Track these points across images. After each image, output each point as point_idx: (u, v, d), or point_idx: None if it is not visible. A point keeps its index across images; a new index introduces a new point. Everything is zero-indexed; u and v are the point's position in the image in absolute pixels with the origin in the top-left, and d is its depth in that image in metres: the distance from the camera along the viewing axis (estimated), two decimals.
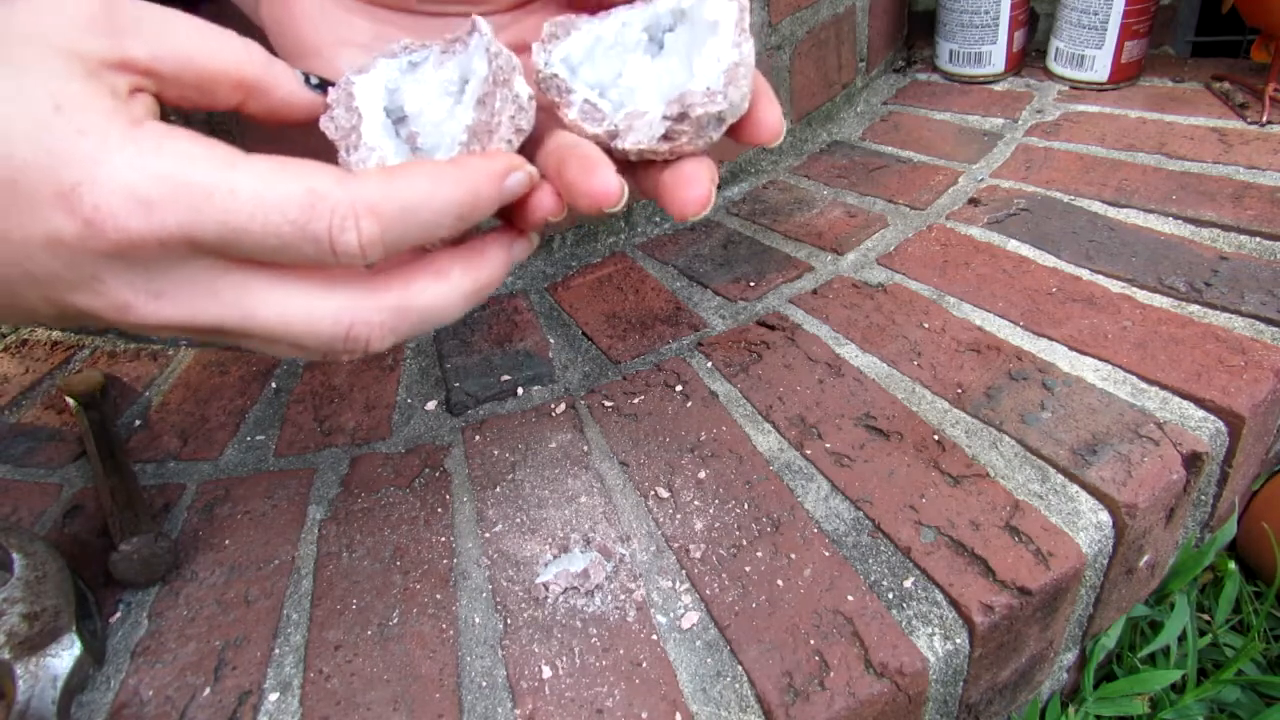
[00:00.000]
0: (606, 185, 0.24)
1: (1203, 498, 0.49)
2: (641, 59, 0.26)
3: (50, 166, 0.21)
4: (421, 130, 0.27)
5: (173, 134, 0.23)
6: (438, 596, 0.43)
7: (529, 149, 0.27)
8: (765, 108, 0.26)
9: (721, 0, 0.25)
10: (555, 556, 0.44)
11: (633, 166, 0.26)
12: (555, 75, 0.27)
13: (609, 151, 0.26)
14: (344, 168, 0.26)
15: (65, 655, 0.39)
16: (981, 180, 0.75)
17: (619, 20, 0.27)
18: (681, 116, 0.24)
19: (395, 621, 0.42)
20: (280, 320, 0.24)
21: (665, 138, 0.25)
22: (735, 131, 0.26)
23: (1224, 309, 0.53)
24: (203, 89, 0.26)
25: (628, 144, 0.25)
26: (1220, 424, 0.46)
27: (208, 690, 0.40)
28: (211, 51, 0.26)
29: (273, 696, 0.39)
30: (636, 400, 0.55)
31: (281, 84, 0.27)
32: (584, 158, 0.25)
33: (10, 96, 0.21)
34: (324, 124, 0.27)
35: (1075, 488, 0.43)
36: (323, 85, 0.28)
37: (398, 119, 0.28)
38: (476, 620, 0.41)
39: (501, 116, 0.26)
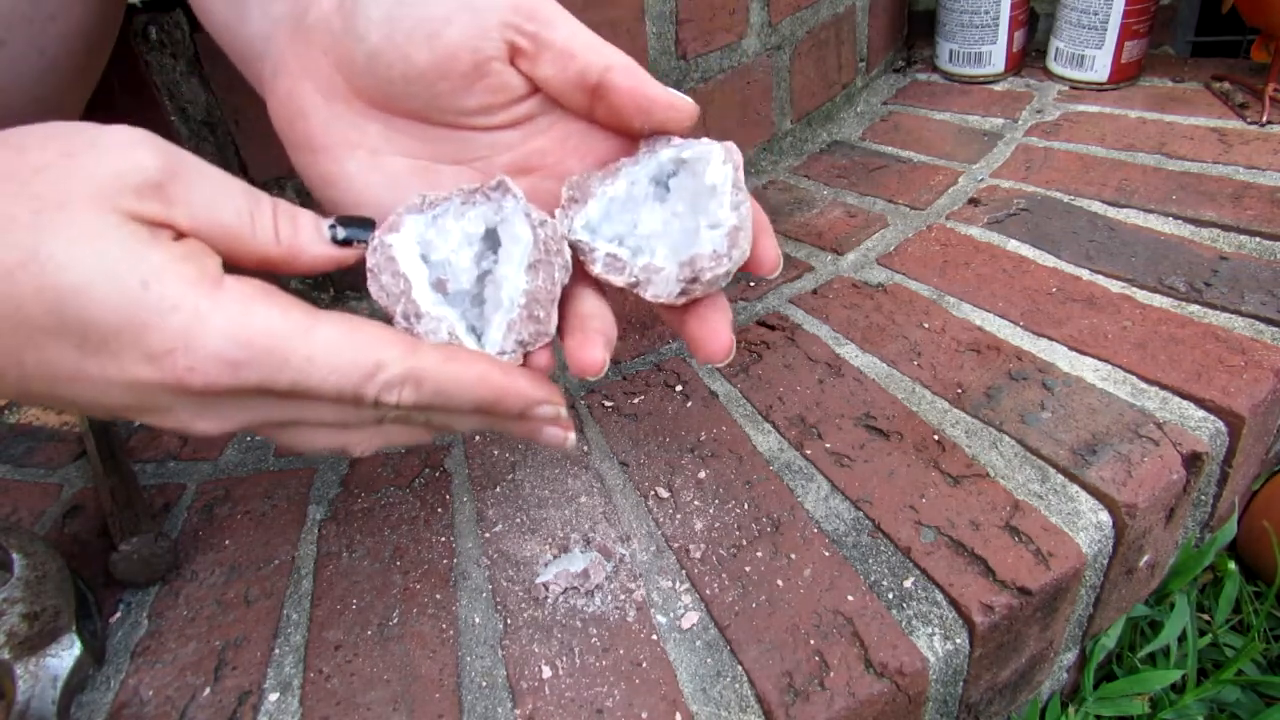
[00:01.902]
0: (592, 360, 0.28)
1: (1203, 498, 0.49)
2: (652, 205, 0.29)
3: (141, 336, 0.23)
4: (449, 277, 0.29)
5: (253, 296, 0.25)
6: (438, 596, 0.43)
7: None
8: (765, 246, 0.29)
9: (718, 164, 0.28)
10: (555, 556, 0.44)
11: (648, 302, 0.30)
12: (580, 240, 0.30)
13: (633, 297, 0.29)
14: (398, 328, 0.28)
15: (65, 655, 0.39)
16: (981, 180, 0.75)
17: (627, 179, 0.30)
18: (693, 280, 0.28)
19: (395, 621, 0.42)
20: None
21: (682, 294, 0.28)
22: (744, 267, 0.30)
23: (1224, 309, 0.53)
24: (230, 257, 0.27)
25: (648, 295, 0.29)
26: (1220, 424, 0.46)
27: (208, 690, 0.40)
28: (243, 227, 0.27)
29: (273, 696, 0.39)
30: (636, 400, 0.55)
31: (303, 256, 0.28)
32: (585, 332, 0.29)
33: (92, 265, 0.23)
34: (373, 289, 0.28)
35: (1075, 488, 0.43)
36: (348, 240, 0.29)
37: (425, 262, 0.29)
38: (476, 620, 0.41)
39: (558, 285, 0.29)
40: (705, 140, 0.29)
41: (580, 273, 0.30)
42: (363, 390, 0.25)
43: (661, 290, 0.28)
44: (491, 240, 0.29)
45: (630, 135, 0.31)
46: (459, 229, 0.29)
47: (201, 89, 0.60)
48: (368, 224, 0.29)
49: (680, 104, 0.29)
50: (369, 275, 0.28)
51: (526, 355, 0.29)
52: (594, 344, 0.28)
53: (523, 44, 0.28)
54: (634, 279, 0.29)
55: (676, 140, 0.30)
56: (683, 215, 0.29)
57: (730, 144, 0.29)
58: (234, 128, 0.62)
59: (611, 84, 0.28)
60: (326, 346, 0.25)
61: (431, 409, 0.27)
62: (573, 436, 0.31)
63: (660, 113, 0.29)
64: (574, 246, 0.30)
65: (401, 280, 0.28)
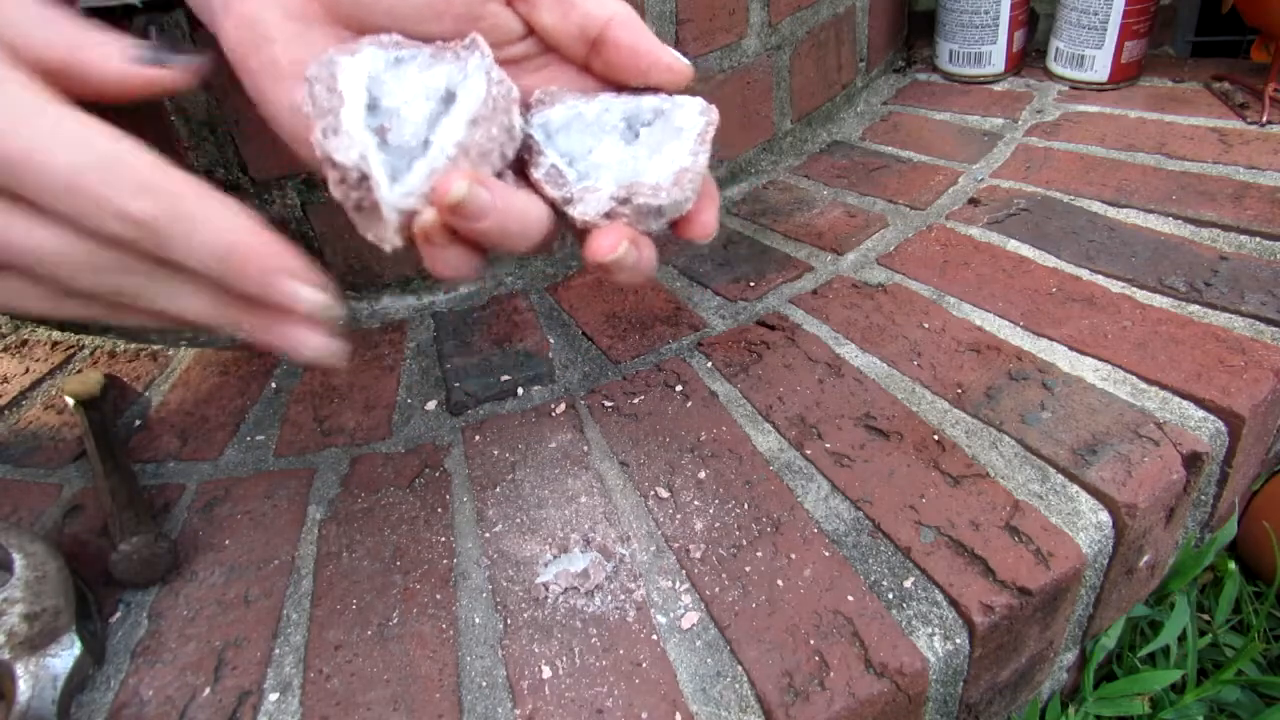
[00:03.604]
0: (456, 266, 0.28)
1: (1203, 498, 0.49)
2: (615, 143, 0.29)
3: None
4: (393, 127, 0.27)
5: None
6: (438, 596, 0.43)
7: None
8: (705, 208, 0.29)
9: (694, 113, 0.29)
10: (555, 556, 0.44)
11: (574, 229, 0.30)
12: (531, 136, 0.29)
13: (560, 214, 0.29)
14: (316, 147, 0.26)
15: (65, 655, 0.39)
16: (981, 180, 0.75)
17: (602, 104, 0.29)
18: (625, 200, 0.27)
19: (395, 621, 0.42)
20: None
21: (607, 215, 0.28)
22: (674, 225, 0.30)
23: (1224, 309, 0.53)
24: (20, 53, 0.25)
25: (576, 212, 0.28)
26: (1220, 424, 0.46)
27: (208, 690, 0.40)
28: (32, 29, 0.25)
29: (273, 696, 0.39)
30: (636, 400, 0.55)
31: (93, 71, 0.26)
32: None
33: None
34: (303, 98, 0.27)
35: (1075, 488, 0.43)
36: (158, 54, 0.27)
37: (371, 106, 0.28)
38: (476, 620, 0.41)
39: (494, 144, 0.27)
40: (688, 97, 0.29)
41: (521, 175, 0.30)
42: (102, 187, 0.23)
43: (590, 209, 0.28)
44: (449, 101, 0.28)
45: (623, 88, 0.30)
46: (420, 82, 0.28)
47: (201, 89, 0.60)
48: (186, 50, 0.28)
49: (678, 66, 0.28)
50: (306, 84, 0.27)
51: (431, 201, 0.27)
52: (459, 174, 0.26)
53: None
54: (568, 195, 0.28)
55: (665, 95, 0.29)
56: (640, 161, 0.28)
57: (714, 107, 0.29)
58: (234, 128, 0.62)
59: (611, 38, 0.28)
60: (70, 130, 0.23)
61: (164, 238, 0.24)
62: (334, 346, 0.28)
63: (658, 74, 0.28)
64: (525, 143, 0.29)
65: (336, 97, 0.27)
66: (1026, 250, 0.63)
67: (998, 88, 0.93)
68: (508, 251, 0.28)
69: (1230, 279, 0.56)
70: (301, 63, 0.28)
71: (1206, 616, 0.55)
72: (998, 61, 0.93)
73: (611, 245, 0.27)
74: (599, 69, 0.29)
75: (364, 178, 0.26)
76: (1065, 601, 0.41)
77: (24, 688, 0.38)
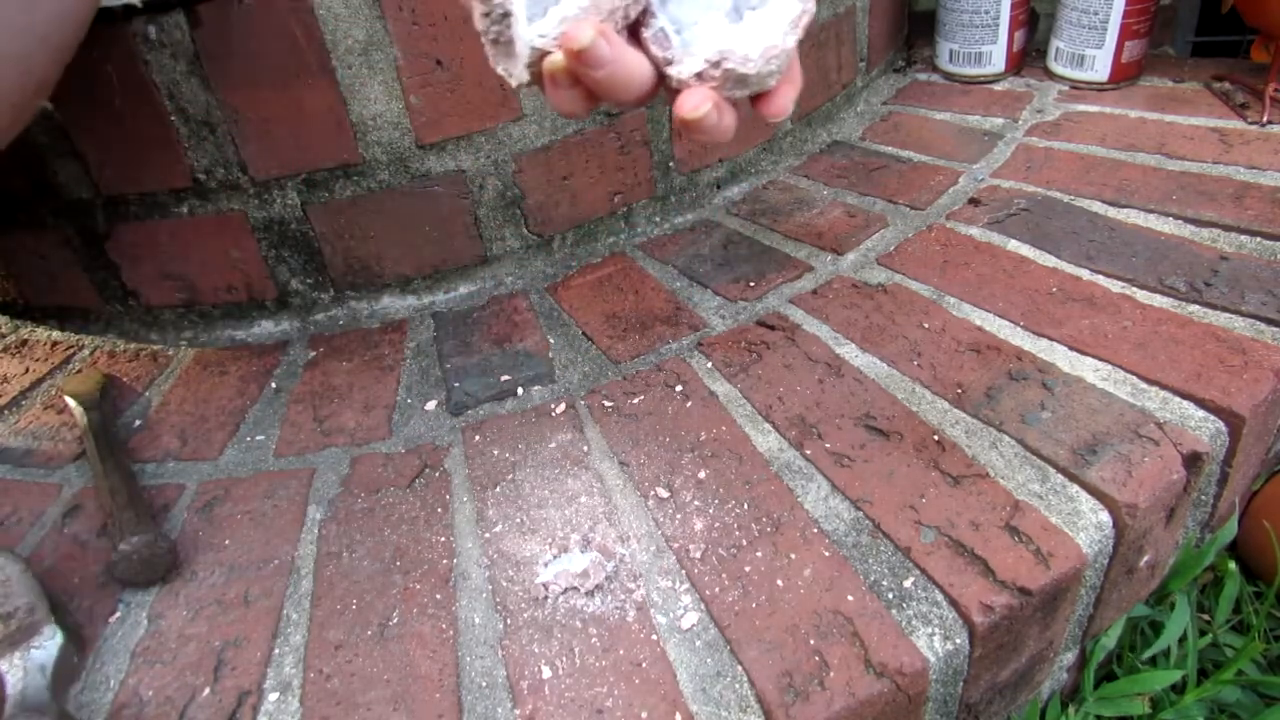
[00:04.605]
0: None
1: (1203, 498, 0.49)
2: (719, 20, 0.31)
3: None
4: None
5: None
6: (438, 596, 0.43)
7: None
8: (785, 90, 0.33)
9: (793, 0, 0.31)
10: (555, 556, 0.44)
11: (671, 89, 0.33)
12: (650, 3, 0.32)
13: (660, 73, 0.32)
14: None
15: (49, 645, 0.40)
16: (981, 180, 0.75)
17: None
18: (716, 64, 0.31)
19: (395, 621, 0.42)
20: None
21: (698, 76, 0.31)
22: (753, 100, 0.33)
23: (1224, 309, 0.53)
24: None
25: (672, 71, 0.31)
26: (1220, 424, 0.46)
27: (208, 690, 0.40)
28: None
29: (273, 696, 0.39)
30: (636, 400, 0.55)
31: None
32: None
33: None
34: None
35: (1075, 488, 0.43)
36: None
37: None
38: (476, 620, 0.41)
39: (622, 3, 0.31)
40: None
41: (631, 35, 0.33)
42: None
43: (685, 69, 0.31)
44: None
45: None
46: None
47: (201, 89, 0.60)
48: None
49: None
50: None
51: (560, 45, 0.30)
52: (590, 23, 0.29)
53: None
54: (669, 56, 0.31)
55: None
56: (737, 32, 0.31)
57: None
58: (234, 128, 0.62)
59: None
60: None
61: None
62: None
63: None
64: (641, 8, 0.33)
65: None
66: (1026, 250, 0.63)
67: (998, 88, 0.93)
68: (613, 101, 0.31)
69: (1230, 279, 0.56)
70: None
71: (1206, 616, 0.55)
72: (998, 61, 0.93)
73: (696, 104, 0.31)
74: None
75: (506, 14, 0.31)
76: (1065, 601, 0.41)
77: (14, 680, 0.38)
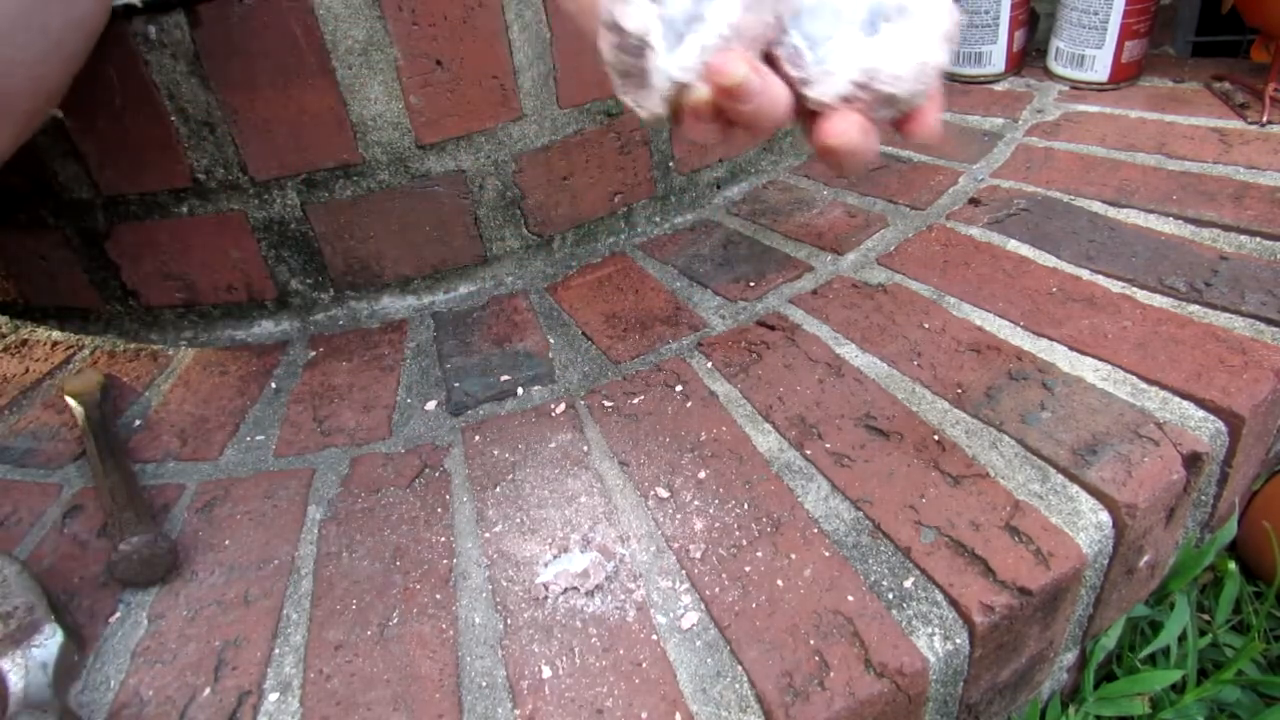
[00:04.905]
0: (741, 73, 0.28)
1: (1203, 498, 0.49)
2: (855, 34, 0.29)
3: None
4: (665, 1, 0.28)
5: None
6: (438, 596, 0.43)
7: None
8: (931, 110, 0.30)
9: (937, 8, 0.29)
10: (555, 556, 0.44)
11: (804, 110, 0.30)
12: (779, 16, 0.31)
13: (796, 93, 0.30)
14: (603, 10, 0.28)
15: (49, 644, 0.40)
16: (982, 180, 0.75)
17: None
18: (864, 85, 0.28)
19: (395, 621, 0.42)
20: None
21: (844, 98, 0.29)
22: (899, 121, 0.31)
23: (1224, 309, 0.53)
24: None
25: (812, 93, 0.29)
26: (1220, 424, 0.46)
27: (208, 690, 0.40)
28: None
29: (273, 696, 0.39)
30: (636, 400, 0.55)
31: None
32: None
33: None
34: None
35: (1075, 488, 0.43)
36: None
37: None
38: (476, 620, 0.41)
39: (763, 28, 0.29)
40: None
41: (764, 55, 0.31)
42: None
43: (827, 90, 0.29)
44: None
45: None
46: None
47: (201, 89, 0.60)
48: None
49: None
50: None
51: (703, 78, 0.29)
52: (735, 55, 0.28)
53: None
54: (805, 76, 0.29)
55: None
56: (877, 47, 0.29)
57: (955, 6, 0.30)
58: (233, 128, 0.62)
59: None
60: None
61: None
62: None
63: None
64: None
65: None
66: (1026, 250, 0.63)
67: (998, 87, 0.93)
68: (753, 130, 0.29)
69: (1230, 279, 0.56)
70: None
71: (1206, 616, 0.55)
72: (998, 61, 0.93)
73: (844, 129, 0.28)
74: None
75: (644, 46, 0.28)
76: (1065, 601, 0.41)
77: (16, 679, 0.39)
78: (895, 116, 0.31)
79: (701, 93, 0.28)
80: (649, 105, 0.30)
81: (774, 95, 0.29)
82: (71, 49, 0.43)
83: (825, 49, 0.29)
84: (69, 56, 0.44)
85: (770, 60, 0.30)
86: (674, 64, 0.28)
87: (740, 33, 0.28)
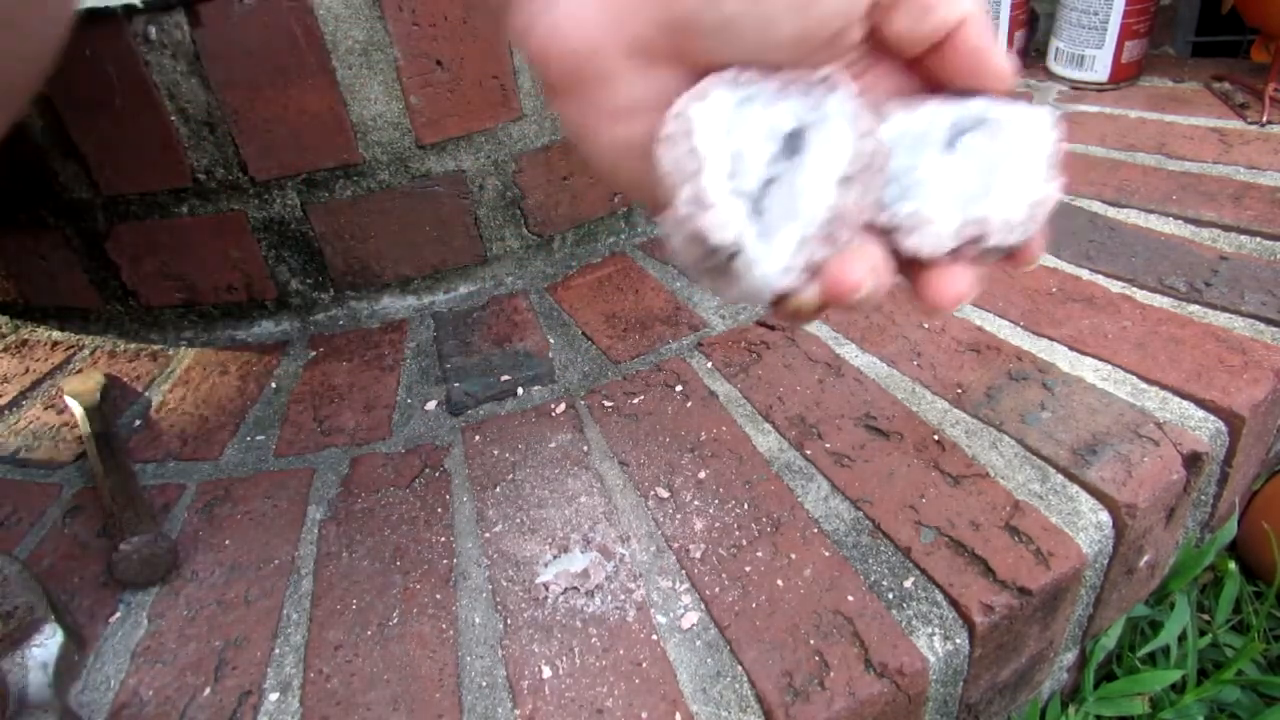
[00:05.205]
0: (852, 274, 0.24)
1: (1203, 498, 0.49)
2: (936, 156, 0.26)
3: None
4: (736, 172, 0.24)
5: None
6: (438, 596, 0.43)
7: None
8: (1039, 240, 0.26)
9: (1038, 126, 0.25)
10: (555, 556, 0.44)
11: (898, 257, 0.27)
12: None
13: (889, 244, 0.26)
14: (679, 220, 0.24)
15: (50, 644, 0.40)
16: None
17: (928, 115, 0.26)
18: (975, 240, 0.25)
19: (395, 621, 0.42)
20: None
21: (953, 253, 0.25)
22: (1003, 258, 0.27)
23: (1224, 309, 0.53)
24: None
25: (907, 243, 0.25)
26: (1220, 424, 0.46)
27: (208, 690, 0.40)
28: None
29: (273, 696, 0.39)
30: (636, 400, 0.55)
31: None
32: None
33: None
34: (664, 160, 0.24)
35: (1075, 488, 0.43)
36: None
37: (733, 169, 0.25)
38: (476, 620, 0.41)
39: (866, 210, 0.25)
40: (1021, 103, 0.26)
41: None
42: None
43: (929, 242, 0.25)
44: (794, 143, 0.25)
45: (940, 85, 0.27)
46: (765, 119, 0.25)
47: (201, 89, 0.60)
48: None
49: (1008, 76, 0.26)
50: (663, 143, 0.24)
51: (811, 278, 0.24)
52: (856, 260, 0.24)
53: None
54: (895, 222, 0.25)
55: (987, 96, 0.26)
56: (968, 174, 0.26)
57: (1054, 112, 0.27)
58: (233, 128, 0.62)
59: (957, 41, 0.25)
60: None
61: None
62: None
63: (991, 80, 0.26)
64: None
65: (696, 159, 0.24)
66: None
67: None
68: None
69: (1230, 279, 0.56)
70: (640, 101, 0.25)
71: (1206, 616, 0.55)
72: None
73: (962, 292, 0.25)
74: (928, 68, 0.26)
75: (735, 255, 0.23)
76: (1065, 601, 0.41)
77: (17, 679, 0.39)
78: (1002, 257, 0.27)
79: (811, 300, 0.24)
80: (738, 298, 0.26)
81: (883, 280, 0.25)
82: (45, 47, 0.42)
83: (907, 180, 0.26)
84: (42, 55, 0.43)
85: None
86: (776, 268, 0.23)
87: (843, 216, 0.24)
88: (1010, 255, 0.26)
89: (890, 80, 0.27)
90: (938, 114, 0.26)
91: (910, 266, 0.26)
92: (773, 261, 0.24)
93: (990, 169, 0.25)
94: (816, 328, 0.59)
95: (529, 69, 0.65)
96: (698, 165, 0.24)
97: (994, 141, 0.26)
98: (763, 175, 0.24)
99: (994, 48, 0.26)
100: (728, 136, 0.24)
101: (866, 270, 0.24)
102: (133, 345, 0.72)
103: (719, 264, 0.24)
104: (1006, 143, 0.26)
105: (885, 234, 0.25)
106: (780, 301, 0.24)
